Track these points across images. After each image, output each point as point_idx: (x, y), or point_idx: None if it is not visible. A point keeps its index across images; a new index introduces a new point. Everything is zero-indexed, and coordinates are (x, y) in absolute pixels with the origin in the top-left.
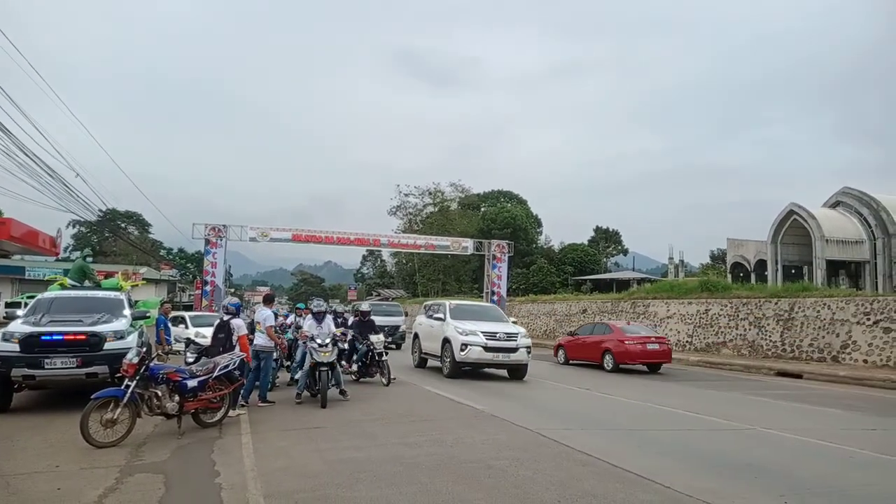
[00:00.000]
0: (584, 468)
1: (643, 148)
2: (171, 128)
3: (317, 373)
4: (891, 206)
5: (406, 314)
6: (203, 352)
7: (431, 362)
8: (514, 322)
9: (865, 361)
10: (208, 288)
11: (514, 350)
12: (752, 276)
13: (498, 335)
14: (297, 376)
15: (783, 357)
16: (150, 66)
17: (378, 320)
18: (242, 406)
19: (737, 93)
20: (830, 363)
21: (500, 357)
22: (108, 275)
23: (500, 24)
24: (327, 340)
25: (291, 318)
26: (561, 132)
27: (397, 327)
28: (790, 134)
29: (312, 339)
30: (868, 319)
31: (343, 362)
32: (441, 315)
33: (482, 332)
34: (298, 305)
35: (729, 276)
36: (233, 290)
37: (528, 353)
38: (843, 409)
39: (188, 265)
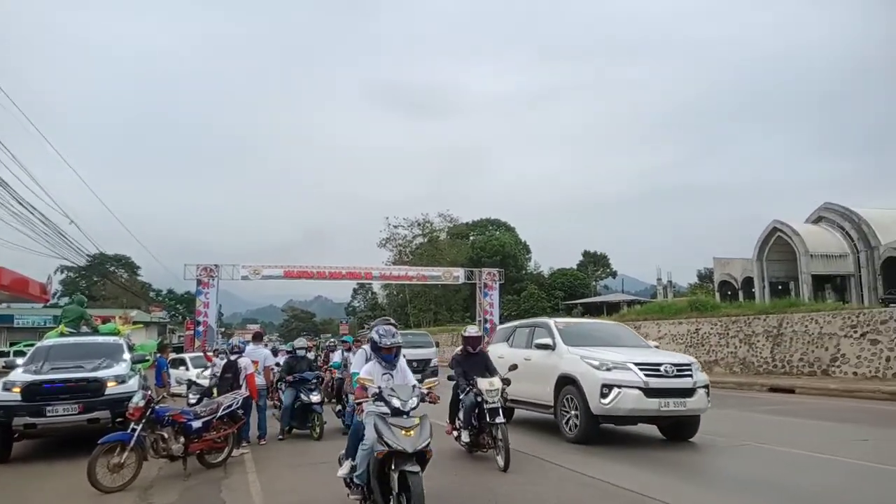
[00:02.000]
0: (584, 489)
1: (626, 170)
2: (153, 169)
3: (392, 471)
4: (872, 219)
5: (437, 345)
6: (205, 393)
7: (522, 412)
8: (656, 346)
9: (855, 374)
10: (201, 328)
11: (690, 393)
12: (740, 294)
13: (663, 368)
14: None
15: (774, 373)
16: (131, 107)
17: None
18: (244, 445)
19: (714, 112)
20: (821, 377)
21: (671, 405)
22: (105, 319)
23: (478, 53)
24: (413, 401)
25: (339, 355)
26: (545, 157)
27: (428, 361)
28: (769, 151)
29: (381, 397)
30: (855, 332)
31: (445, 422)
32: (547, 340)
33: (636, 365)
34: (345, 339)
35: (717, 294)
36: (223, 329)
37: (708, 395)
38: (836, 422)
39: (177, 306)
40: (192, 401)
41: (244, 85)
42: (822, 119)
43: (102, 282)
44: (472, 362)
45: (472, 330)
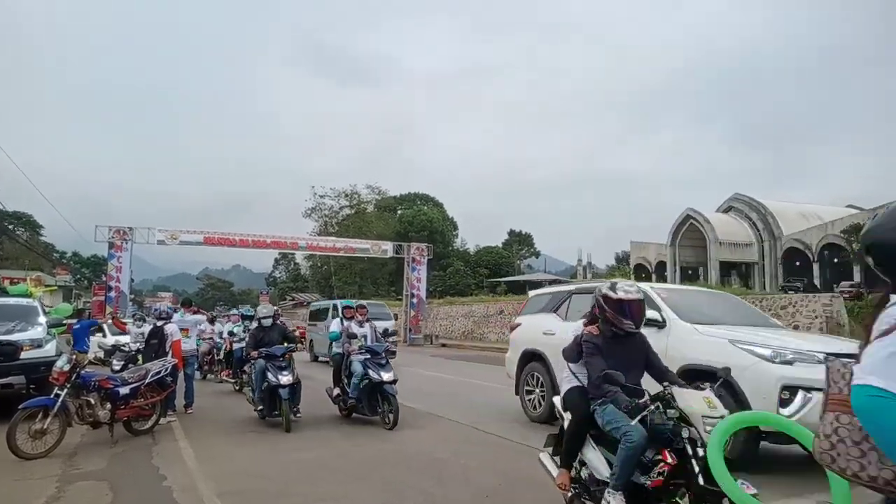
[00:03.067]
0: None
1: (553, 150)
2: (61, 123)
3: None
4: (777, 211)
5: (396, 317)
6: (129, 359)
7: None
8: (782, 325)
9: None
10: (112, 294)
11: None
12: (654, 277)
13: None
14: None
15: None
16: (43, 56)
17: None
18: (171, 413)
19: (637, 98)
20: None
21: None
22: (12, 281)
23: (411, 23)
24: None
25: (336, 324)
26: (475, 134)
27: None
28: (685, 139)
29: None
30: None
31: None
32: (653, 314)
33: (824, 353)
34: (348, 304)
35: (633, 276)
36: (132, 296)
37: None
38: None
39: (83, 270)
40: (117, 367)
41: (164, 39)
42: (736, 114)
43: None
44: (626, 351)
45: (628, 289)
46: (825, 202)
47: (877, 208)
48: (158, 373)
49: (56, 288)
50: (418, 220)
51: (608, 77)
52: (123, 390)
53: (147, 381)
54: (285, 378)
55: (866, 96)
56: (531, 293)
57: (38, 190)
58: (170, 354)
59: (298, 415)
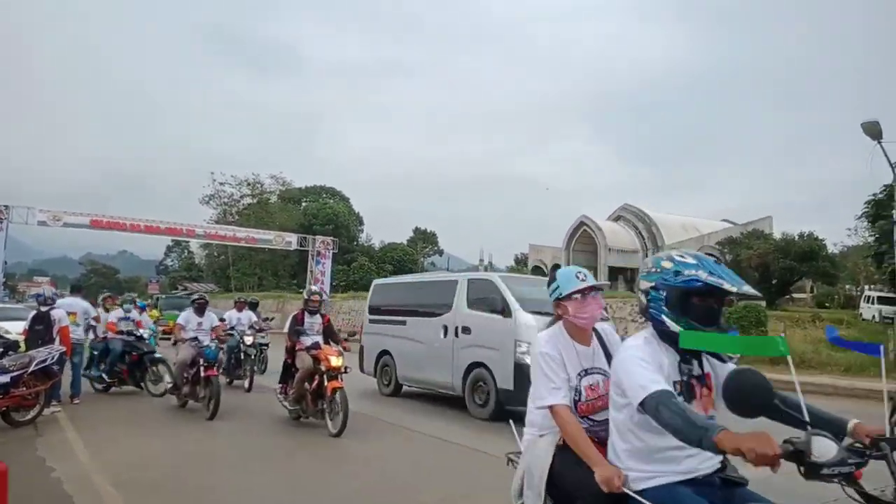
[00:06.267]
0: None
1: (463, 151)
2: None
3: None
4: (660, 222)
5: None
6: (9, 346)
7: None
8: None
9: None
10: None
11: None
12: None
13: None
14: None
15: None
16: None
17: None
18: (55, 404)
19: (544, 109)
20: None
21: None
22: None
23: (319, 14)
24: None
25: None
26: (385, 130)
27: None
28: (584, 151)
29: None
30: (640, 318)
31: None
32: None
33: None
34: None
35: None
36: (5, 280)
37: None
38: None
39: None
40: None
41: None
42: (634, 129)
43: None
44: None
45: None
46: (706, 215)
47: (746, 224)
48: (44, 361)
49: None
50: (323, 213)
51: (517, 88)
52: (3, 378)
53: (31, 369)
54: None
55: (745, 119)
56: None
57: None
58: (57, 341)
59: None
